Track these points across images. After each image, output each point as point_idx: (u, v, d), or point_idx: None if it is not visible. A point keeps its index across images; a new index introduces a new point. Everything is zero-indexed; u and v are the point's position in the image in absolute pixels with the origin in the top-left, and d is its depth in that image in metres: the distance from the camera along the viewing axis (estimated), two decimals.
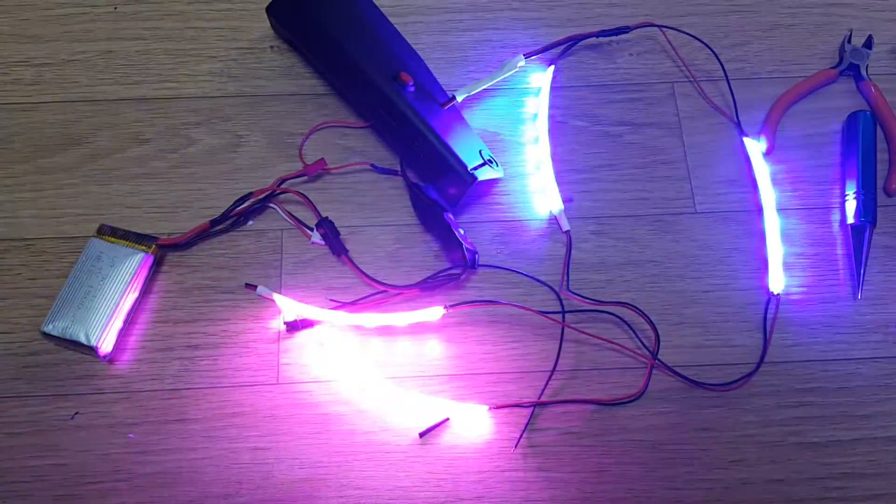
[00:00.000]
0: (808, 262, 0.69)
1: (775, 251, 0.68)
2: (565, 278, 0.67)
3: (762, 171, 0.71)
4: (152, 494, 0.60)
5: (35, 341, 0.64)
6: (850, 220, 0.69)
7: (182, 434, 0.62)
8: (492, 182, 0.71)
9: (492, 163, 0.69)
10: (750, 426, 0.63)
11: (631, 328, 0.66)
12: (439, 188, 0.68)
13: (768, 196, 0.70)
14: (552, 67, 0.75)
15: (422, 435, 0.62)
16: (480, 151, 0.69)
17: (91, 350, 0.62)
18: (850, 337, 0.66)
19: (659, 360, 0.64)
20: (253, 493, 0.60)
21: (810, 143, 0.74)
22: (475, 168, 0.66)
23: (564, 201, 0.70)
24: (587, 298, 0.66)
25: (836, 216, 0.71)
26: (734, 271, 0.68)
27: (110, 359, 0.64)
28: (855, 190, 0.70)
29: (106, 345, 0.62)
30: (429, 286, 0.66)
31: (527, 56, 0.73)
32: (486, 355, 0.65)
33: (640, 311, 0.66)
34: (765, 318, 0.66)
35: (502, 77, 0.73)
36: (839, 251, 0.70)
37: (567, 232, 0.69)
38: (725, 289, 0.68)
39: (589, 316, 0.66)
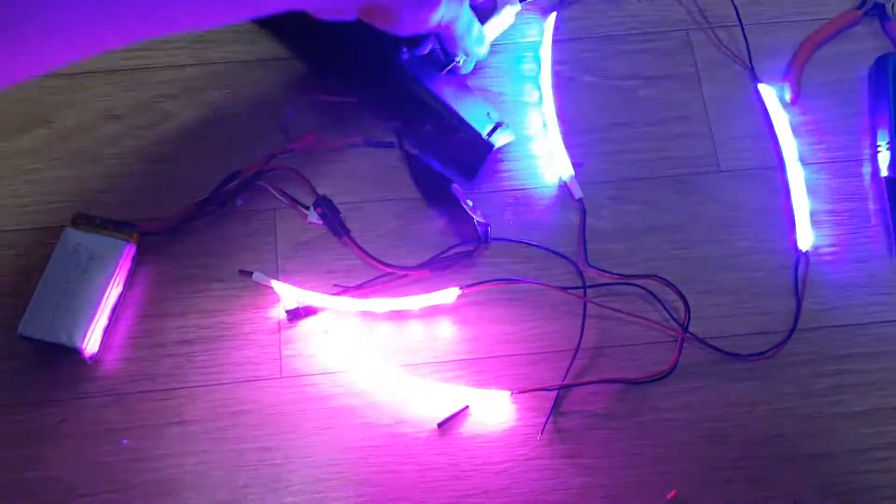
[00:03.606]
0: (839, 219, 0.65)
1: (801, 206, 0.64)
2: (583, 250, 0.63)
3: (781, 120, 0.67)
4: None
5: (12, 345, 0.58)
6: (884, 172, 0.65)
7: (181, 437, 0.57)
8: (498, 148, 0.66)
9: (503, 125, 0.63)
10: (787, 398, 0.60)
11: (658, 299, 0.62)
12: (453, 160, 0.64)
13: (789, 146, 0.66)
14: (553, 14, 0.70)
15: (440, 425, 0.58)
16: (489, 114, 0.63)
17: (74, 352, 0.57)
18: (888, 297, 0.63)
19: (690, 332, 0.60)
20: (262, 497, 0.56)
21: (836, 90, 0.69)
22: (489, 134, 0.61)
23: (575, 166, 0.65)
24: (610, 272, 0.62)
25: (867, 169, 0.67)
26: (763, 232, 0.64)
27: (96, 360, 0.59)
28: (888, 140, 0.66)
29: (91, 345, 0.58)
30: (439, 265, 0.61)
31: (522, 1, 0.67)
32: (505, 336, 0.61)
33: (667, 281, 0.62)
34: (795, 280, 0.63)
35: (499, 27, 0.67)
36: (872, 206, 0.66)
37: (580, 200, 0.64)
38: (755, 252, 0.64)
39: (611, 289, 0.62)
